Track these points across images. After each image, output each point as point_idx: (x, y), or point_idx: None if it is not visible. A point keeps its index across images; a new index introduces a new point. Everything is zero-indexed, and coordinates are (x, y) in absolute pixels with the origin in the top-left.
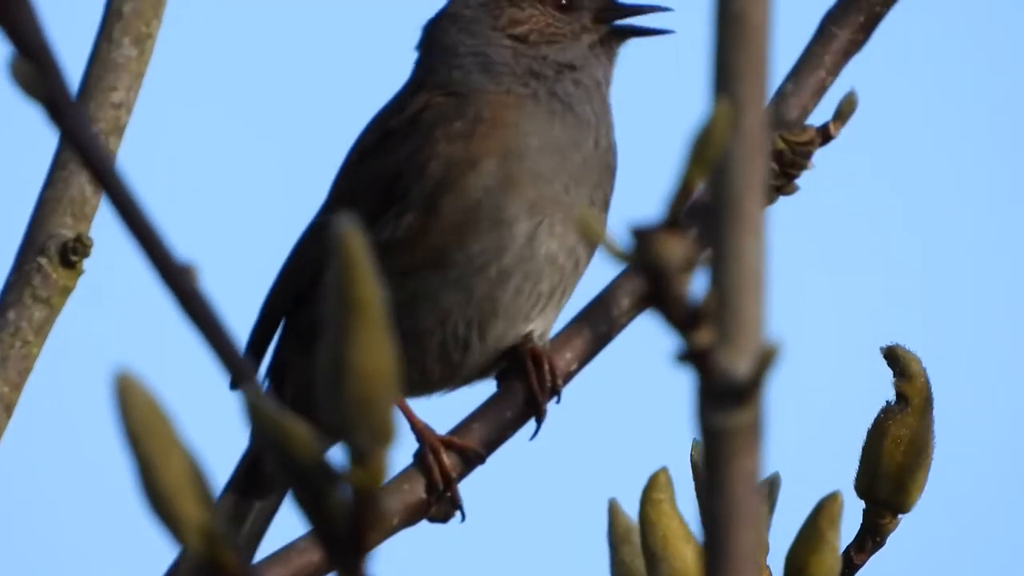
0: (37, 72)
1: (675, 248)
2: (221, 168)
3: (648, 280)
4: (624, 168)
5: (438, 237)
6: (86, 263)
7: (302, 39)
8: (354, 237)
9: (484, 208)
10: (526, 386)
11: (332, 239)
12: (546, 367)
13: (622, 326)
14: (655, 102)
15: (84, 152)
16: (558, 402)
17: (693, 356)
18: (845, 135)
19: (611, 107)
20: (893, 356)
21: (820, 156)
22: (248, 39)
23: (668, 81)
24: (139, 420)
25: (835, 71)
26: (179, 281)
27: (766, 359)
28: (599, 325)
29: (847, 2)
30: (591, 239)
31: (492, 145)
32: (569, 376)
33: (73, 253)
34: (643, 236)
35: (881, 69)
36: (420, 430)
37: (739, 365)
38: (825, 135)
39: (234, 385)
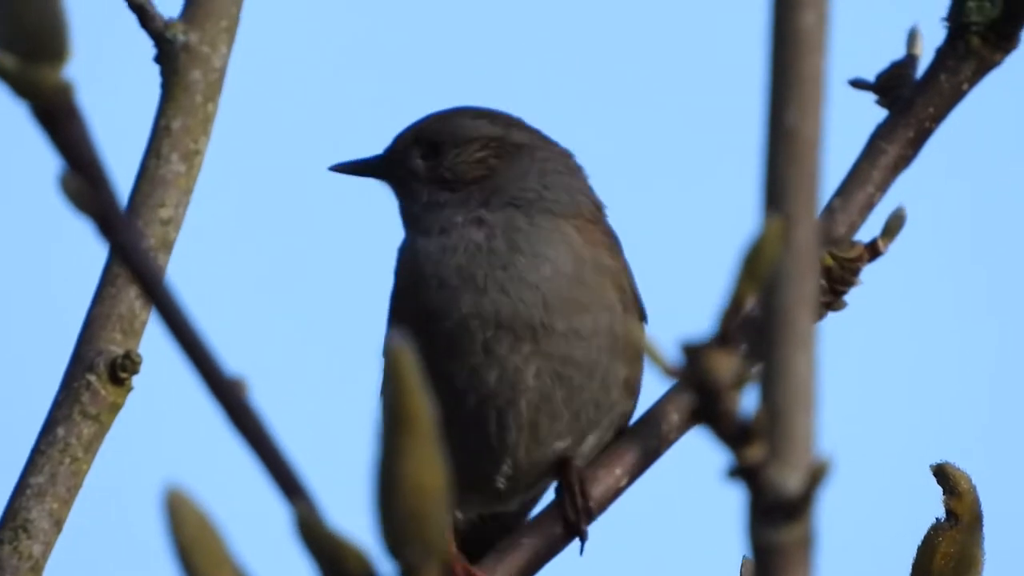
0: (88, 187)
1: (726, 364)
2: (270, 284)
3: (699, 396)
4: (674, 283)
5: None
6: (135, 380)
7: (350, 151)
8: (404, 354)
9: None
10: (561, 511)
11: (384, 356)
12: (577, 489)
13: (672, 441)
14: (706, 215)
15: (135, 268)
16: (589, 522)
17: (744, 472)
18: (893, 251)
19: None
20: (943, 473)
21: (868, 272)
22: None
23: (719, 193)
24: (190, 536)
25: (883, 187)
26: (229, 395)
27: (817, 475)
28: (649, 440)
29: (896, 118)
30: (643, 354)
31: None
32: (619, 491)
33: (122, 370)
34: (694, 352)
35: (930, 185)
36: (451, 557)
37: (790, 481)
38: (873, 251)
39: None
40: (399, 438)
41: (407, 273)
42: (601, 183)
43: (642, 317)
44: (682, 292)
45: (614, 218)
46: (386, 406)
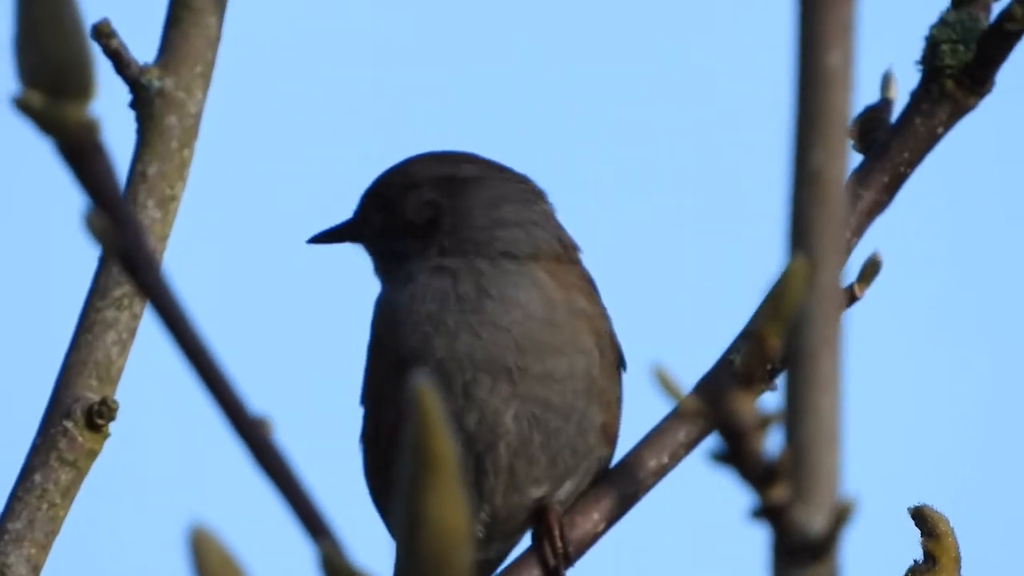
0: (112, 225)
1: (750, 404)
2: (247, 330)
3: (723, 436)
4: (696, 323)
5: None
6: (112, 426)
7: (327, 198)
8: (429, 395)
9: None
10: (540, 555)
11: (409, 397)
12: (556, 534)
13: (648, 487)
14: (729, 253)
15: (160, 306)
16: (568, 567)
17: (768, 512)
18: (870, 296)
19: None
20: (921, 516)
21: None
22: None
23: (740, 231)
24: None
25: (859, 232)
26: (254, 434)
27: (842, 515)
28: (626, 486)
29: (872, 162)
30: (668, 395)
31: None
32: (596, 536)
33: (99, 416)
34: (717, 392)
35: (905, 230)
36: None
37: (814, 521)
38: (850, 296)
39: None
40: (423, 477)
41: (382, 323)
42: (627, 219)
43: (620, 363)
44: (703, 332)
45: (633, 251)
46: (410, 446)
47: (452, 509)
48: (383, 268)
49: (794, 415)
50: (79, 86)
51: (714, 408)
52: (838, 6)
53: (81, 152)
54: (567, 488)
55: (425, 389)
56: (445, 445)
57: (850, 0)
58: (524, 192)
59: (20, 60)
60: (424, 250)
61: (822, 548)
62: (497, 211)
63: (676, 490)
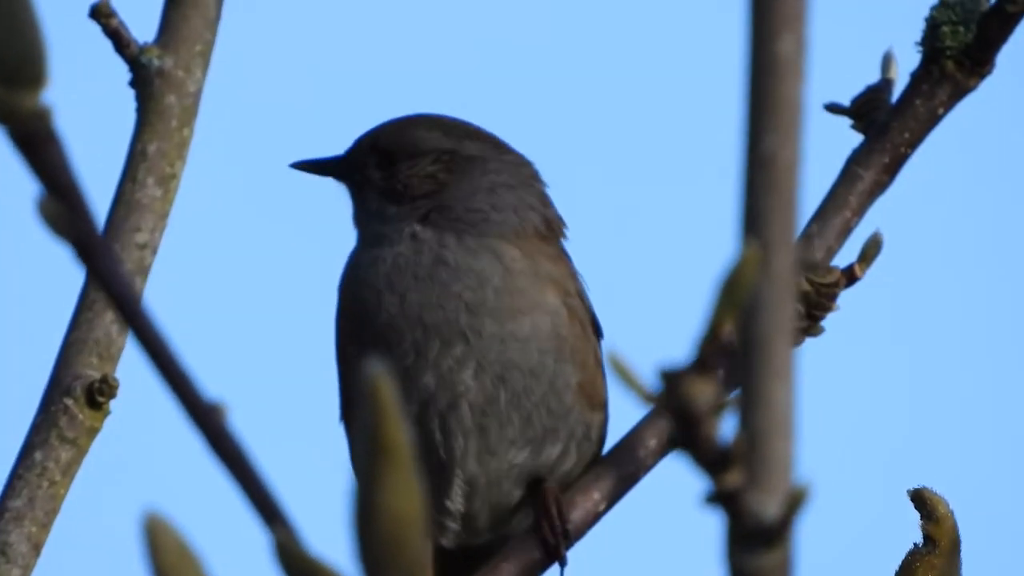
0: (66, 212)
1: (704, 390)
2: (247, 308)
3: (677, 422)
4: (652, 309)
5: None
6: (112, 404)
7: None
8: (384, 382)
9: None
10: (539, 534)
11: (362, 384)
12: (554, 511)
13: (649, 466)
14: (684, 241)
15: (113, 293)
16: (568, 547)
17: (722, 498)
18: (870, 276)
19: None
20: (920, 498)
21: (845, 297)
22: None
23: (697, 218)
24: (168, 562)
25: (860, 212)
26: (208, 420)
27: (795, 501)
28: (627, 465)
29: (872, 143)
30: (623, 380)
31: None
32: (597, 516)
33: (99, 394)
34: (671, 378)
35: (906, 209)
36: None
37: (768, 507)
38: (851, 276)
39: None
40: (377, 465)
41: (344, 283)
42: (576, 206)
43: (597, 332)
44: (659, 318)
45: (585, 238)
46: (363, 432)
47: (406, 496)
48: (363, 221)
49: (748, 401)
50: (31, 75)
51: (668, 393)
52: None
53: (34, 140)
54: (550, 453)
55: (378, 376)
56: (399, 433)
57: None
58: (521, 175)
59: None
60: (405, 217)
61: (776, 534)
62: (494, 195)
63: (678, 470)
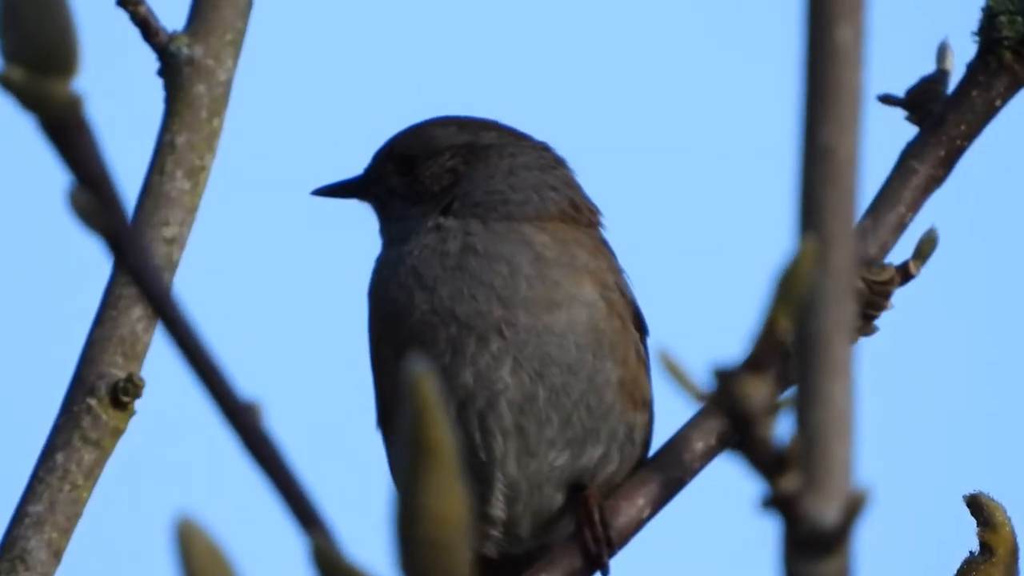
0: (97, 204)
1: (759, 390)
2: (277, 304)
3: (731, 423)
4: (705, 306)
5: None
6: (138, 404)
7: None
8: (426, 381)
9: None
10: (580, 542)
11: (404, 383)
12: (596, 518)
13: (696, 471)
14: (739, 235)
15: (144, 286)
16: (611, 555)
17: (778, 502)
18: (926, 273)
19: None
20: (977, 505)
21: (900, 296)
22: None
23: (753, 212)
24: (201, 567)
25: (915, 207)
26: (243, 420)
27: (855, 506)
28: (672, 469)
29: (927, 135)
30: (673, 378)
31: None
32: (642, 523)
33: (124, 393)
34: (725, 377)
35: (962, 205)
36: None
37: (827, 512)
38: (905, 274)
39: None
40: (419, 466)
41: (372, 286)
42: (630, 200)
43: (641, 328)
44: (711, 315)
45: (638, 232)
46: (405, 432)
47: (450, 499)
48: (387, 227)
49: (805, 401)
50: (63, 62)
51: (722, 393)
52: None
53: (65, 129)
54: (591, 455)
55: (420, 374)
56: (442, 433)
57: None
58: (542, 159)
59: (3, 35)
60: (430, 211)
61: (834, 540)
62: (512, 177)
63: (726, 475)
